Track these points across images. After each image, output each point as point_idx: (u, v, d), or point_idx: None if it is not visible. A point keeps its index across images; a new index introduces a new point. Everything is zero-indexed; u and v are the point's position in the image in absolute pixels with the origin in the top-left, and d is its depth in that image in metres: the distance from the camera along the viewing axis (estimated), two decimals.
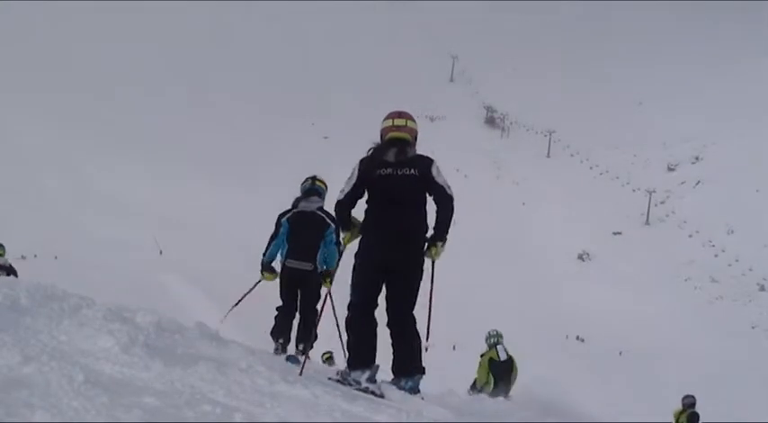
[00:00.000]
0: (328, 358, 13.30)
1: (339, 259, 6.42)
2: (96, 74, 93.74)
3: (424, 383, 5.51)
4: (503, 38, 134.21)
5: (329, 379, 5.24)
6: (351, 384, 5.13)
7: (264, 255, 7.71)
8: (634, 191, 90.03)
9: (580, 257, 74.75)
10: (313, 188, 7.91)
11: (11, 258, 12.52)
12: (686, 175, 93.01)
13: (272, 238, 7.71)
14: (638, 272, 69.55)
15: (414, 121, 5.52)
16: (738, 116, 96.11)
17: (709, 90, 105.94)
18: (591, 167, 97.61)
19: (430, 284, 5.65)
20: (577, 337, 57.48)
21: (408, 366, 5.34)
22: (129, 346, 4.20)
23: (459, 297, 60.01)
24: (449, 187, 5.41)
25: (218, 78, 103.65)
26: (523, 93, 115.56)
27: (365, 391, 5.01)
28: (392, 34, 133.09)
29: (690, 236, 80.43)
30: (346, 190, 5.44)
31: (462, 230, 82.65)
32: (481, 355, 12.08)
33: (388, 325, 5.42)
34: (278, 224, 7.76)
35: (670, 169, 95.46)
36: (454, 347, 51.45)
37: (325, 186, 8.03)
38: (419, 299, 5.47)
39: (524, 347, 55.87)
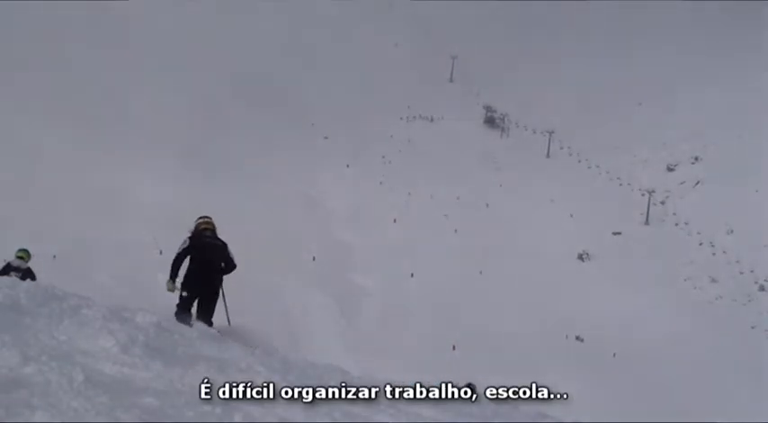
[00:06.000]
0: None
1: None
2: (96, 74, 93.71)
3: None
4: (503, 38, 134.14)
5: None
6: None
7: None
8: (634, 191, 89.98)
9: (580, 257, 74.66)
10: (19, 256, 12.44)
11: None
12: (686, 175, 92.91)
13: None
14: (637, 272, 69.47)
15: (213, 221, 10.36)
16: (738, 116, 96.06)
17: (709, 90, 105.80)
18: (591, 167, 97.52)
19: (224, 301, 10.13)
20: (577, 337, 57.46)
21: None
22: (128, 346, 4.20)
23: (458, 298, 60.02)
24: (234, 259, 10.06)
25: (218, 78, 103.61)
26: (523, 93, 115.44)
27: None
28: (392, 34, 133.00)
29: (690, 236, 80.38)
30: (182, 248, 9.97)
31: (462, 231, 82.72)
32: None
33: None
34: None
35: (670, 169, 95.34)
36: (454, 348, 51.45)
37: (29, 255, 12.79)
38: None
39: (524, 347, 55.81)
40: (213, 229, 10.15)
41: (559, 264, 70.80)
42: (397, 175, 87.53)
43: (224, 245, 10.02)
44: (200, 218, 10.37)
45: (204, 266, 9.69)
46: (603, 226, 79.55)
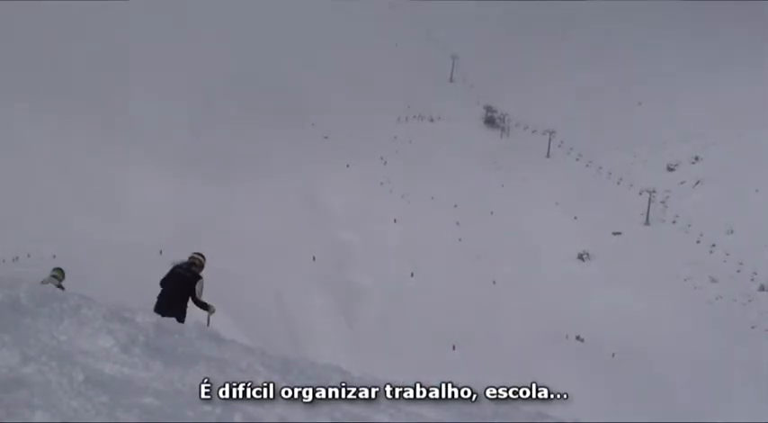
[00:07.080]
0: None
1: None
2: (97, 74, 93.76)
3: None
4: (503, 38, 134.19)
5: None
6: None
7: None
8: (634, 191, 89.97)
9: (580, 257, 74.69)
10: (53, 275, 12.53)
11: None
12: (686, 175, 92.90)
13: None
14: (637, 272, 69.48)
15: (204, 258, 10.28)
16: (738, 116, 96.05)
17: (708, 90, 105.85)
18: (591, 167, 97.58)
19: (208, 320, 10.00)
20: (577, 337, 57.47)
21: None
22: (128, 345, 4.20)
23: (459, 298, 60.05)
24: (200, 294, 9.93)
25: (218, 78, 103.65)
26: (523, 93, 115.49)
27: None
28: (392, 34, 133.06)
29: (689, 235, 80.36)
30: (165, 277, 9.96)
31: (462, 231, 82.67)
32: None
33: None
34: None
35: (670, 169, 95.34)
36: (454, 347, 51.48)
37: (63, 274, 12.76)
38: None
39: (525, 347, 55.82)
40: (194, 264, 10.14)
41: (559, 264, 70.83)
42: (397, 175, 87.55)
43: (192, 277, 9.97)
44: (194, 253, 10.50)
45: (164, 295, 9.87)
46: (603, 226, 79.56)
